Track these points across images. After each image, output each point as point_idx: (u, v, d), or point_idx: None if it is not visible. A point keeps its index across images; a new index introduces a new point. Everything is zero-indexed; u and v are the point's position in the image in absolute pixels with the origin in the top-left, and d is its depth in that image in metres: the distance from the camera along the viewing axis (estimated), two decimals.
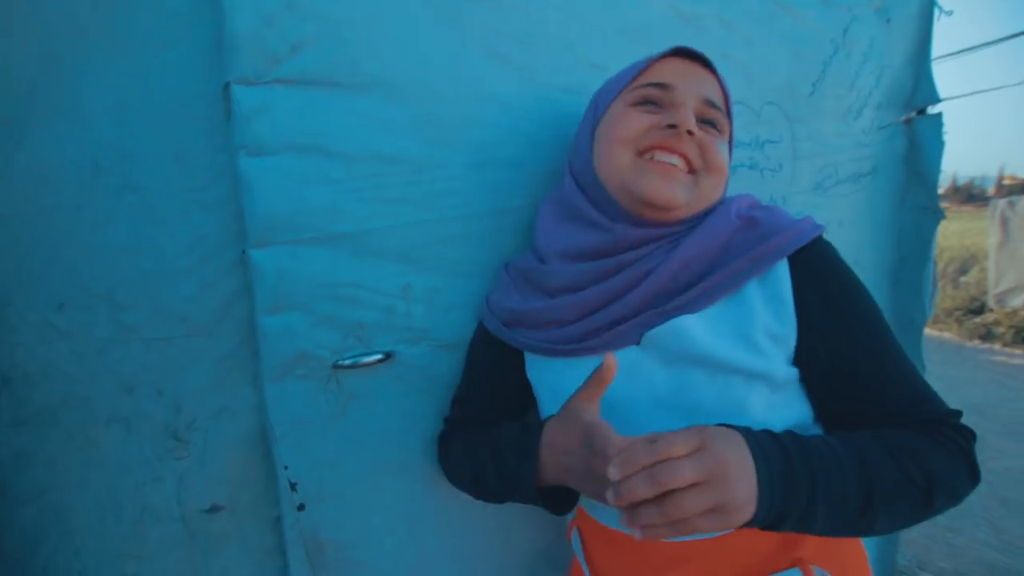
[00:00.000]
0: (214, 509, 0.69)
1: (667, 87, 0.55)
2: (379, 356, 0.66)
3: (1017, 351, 4.81)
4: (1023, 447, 2.76)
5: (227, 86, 0.55)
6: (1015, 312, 5.07)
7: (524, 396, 0.64)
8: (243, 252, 0.59)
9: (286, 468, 0.63)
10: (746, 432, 0.41)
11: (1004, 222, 5.19)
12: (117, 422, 0.72)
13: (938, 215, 1.09)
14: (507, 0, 0.68)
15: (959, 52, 7.65)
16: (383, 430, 0.68)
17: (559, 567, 0.78)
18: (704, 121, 0.55)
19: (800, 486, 0.40)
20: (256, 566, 0.70)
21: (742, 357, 0.49)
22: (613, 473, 0.37)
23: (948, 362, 4.55)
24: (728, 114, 0.59)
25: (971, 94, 8.25)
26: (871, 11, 1.02)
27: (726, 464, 0.37)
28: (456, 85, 0.65)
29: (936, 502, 0.44)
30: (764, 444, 0.41)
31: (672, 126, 0.53)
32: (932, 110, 1.10)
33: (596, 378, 0.47)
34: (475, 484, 0.62)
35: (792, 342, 0.50)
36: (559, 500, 0.56)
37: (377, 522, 0.69)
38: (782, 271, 0.51)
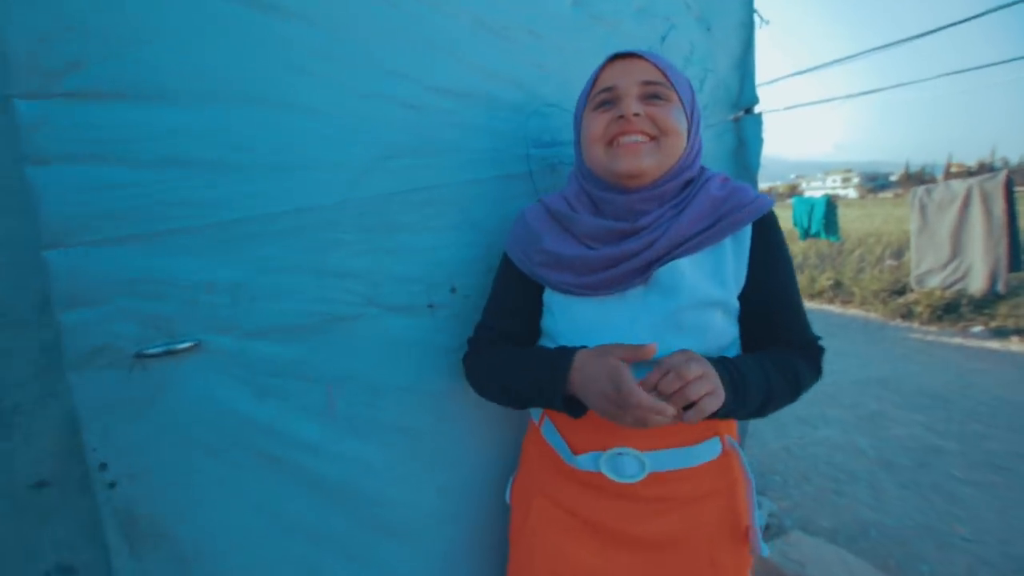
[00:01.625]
0: (40, 484, 0.74)
1: (612, 88, 0.72)
2: (186, 345, 0.72)
3: (932, 328, 5.17)
4: (915, 416, 3.00)
5: (9, 100, 0.60)
6: (932, 292, 5.43)
7: (536, 322, 0.81)
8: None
9: (94, 450, 0.69)
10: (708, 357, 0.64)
11: (922, 208, 5.53)
12: None
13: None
14: (307, 15, 0.74)
15: (907, 39, 7.90)
16: (196, 414, 0.74)
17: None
18: (649, 97, 0.72)
19: (739, 390, 0.64)
20: (87, 536, 0.75)
21: (712, 289, 0.70)
22: (653, 377, 0.60)
23: (870, 340, 4.86)
24: (671, 83, 0.73)
25: (914, 82, 8.61)
26: (692, 19, 1.11)
27: (709, 366, 0.61)
28: (248, 93, 0.71)
29: (799, 394, 0.72)
30: (722, 362, 0.65)
31: (621, 116, 0.71)
32: (756, 110, 1.22)
33: (637, 351, 0.63)
34: (503, 391, 0.77)
35: (743, 281, 0.72)
36: (575, 406, 0.71)
37: (191, 499, 0.74)
38: (747, 231, 0.72)
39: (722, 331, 0.71)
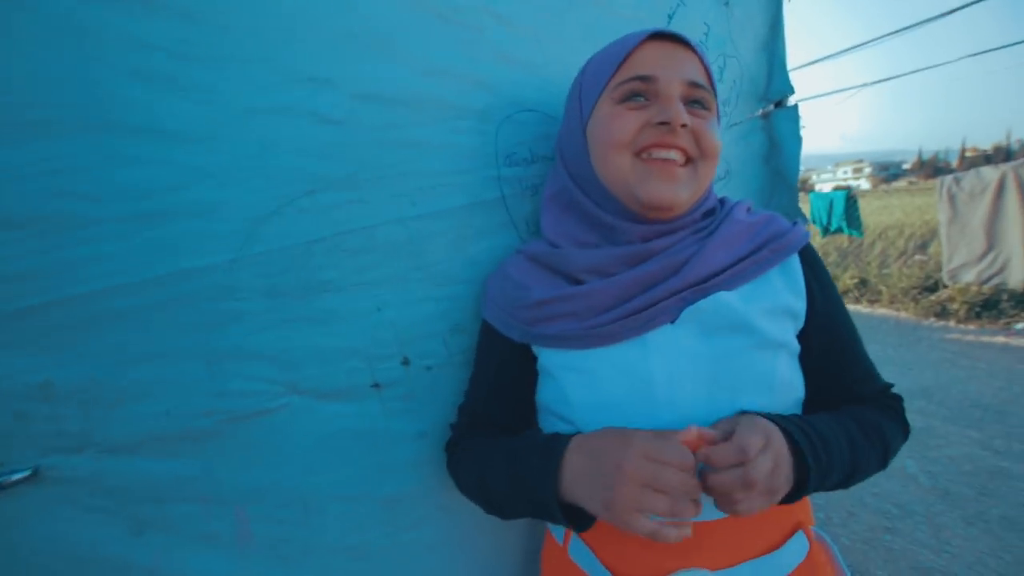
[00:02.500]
0: None
1: (650, 79, 0.56)
2: (18, 476, 0.51)
3: (971, 327, 4.82)
4: (968, 433, 2.70)
5: None
6: (967, 288, 5.09)
7: (532, 400, 0.64)
8: None
9: None
10: (783, 423, 0.49)
11: (951, 198, 5.20)
12: None
13: (800, 224, 0.97)
14: (167, 7, 0.53)
15: (915, 25, 7.69)
16: (42, 566, 0.53)
17: None
18: (692, 102, 0.57)
19: (824, 467, 0.49)
20: None
21: (771, 327, 0.55)
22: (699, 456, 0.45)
23: (904, 343, 4.54)
24: (713, 90, 0.60)
25: (930, 67, 8.36)
26: None
27: (782, 457, 0.46)
28: (89, 118, 0.50)
29: (888, 460, 0.58)
30: (808, 436, 0.49)
31: (664, 123, 0.54)
32: (790, 102, 0.98)
33: (685, 433, 0.46)
34: (485, 499, 0.60)
35: (802, 320, 0.59)
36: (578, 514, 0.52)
37: None
38: (796, 262, 0.60)
39: (790, 383, 0.56)
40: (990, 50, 6.82)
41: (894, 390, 0.63)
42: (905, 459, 2.50)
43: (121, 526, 0.56)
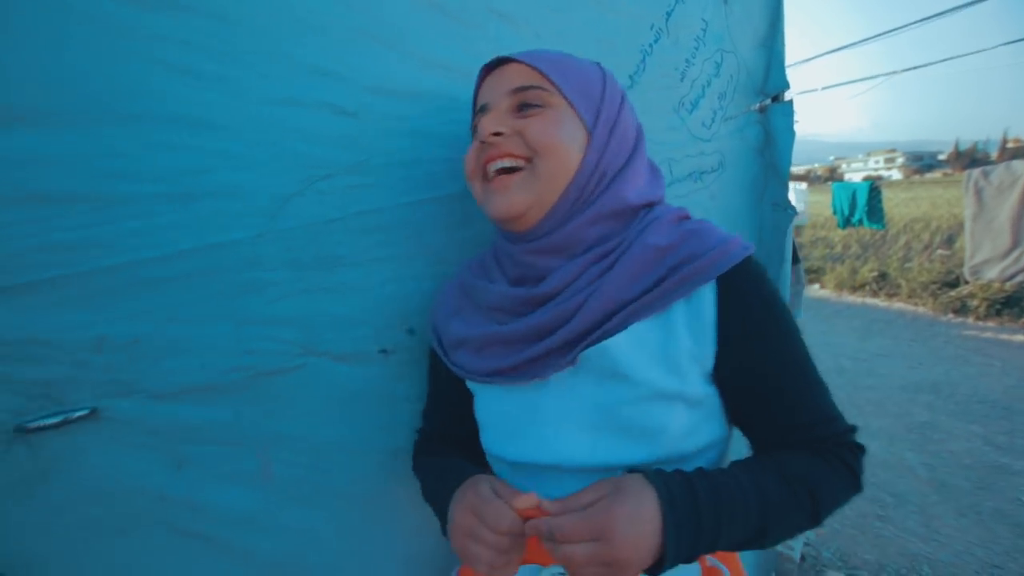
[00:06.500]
0: None
1: (485, 107, 0.57)
2: (82, 413, 0.60)
3: (990, 324, 4.74)
4: (973, 428, 2.71)
5: None
6: (989, 285, 4.98)
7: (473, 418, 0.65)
8: None
9: None
10: (660, 482, 0.45)
11: (978, 192, 5.06)
12: None
13: (790, 212, 1.01)
14: (201, 7, 0.60)
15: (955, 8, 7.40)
16: (98, 491, 0.62)
17: None
18: (523, 106, 0.55)
19: (705, 530, 0.45)
20: None
21: (661, 378, 0.51)
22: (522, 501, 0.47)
23: (917, 338, 4.49)
24: (554, 82, 0.55)
25: (971, 53, 8.03)
26: None
27: (612, 522, 0.42)
28: (129, 108, 0.57)
29: (821, 516, 0.51)
30: (672, 485, 0.46)
31: (482, 141, 0.55)
32: (786, 97, 1.02)
33: (522, 500, 0.47)
34: (428, 502, 0.64)
35: (710, 363, 0.53)
36: None
37: None
38: (707, 293, 0.52)
39: (686, 433, 0.52)
40: None
41: (854, 438, 0.54)
42: (905, 452, 2.53)
43: (163, 461, 0.65)
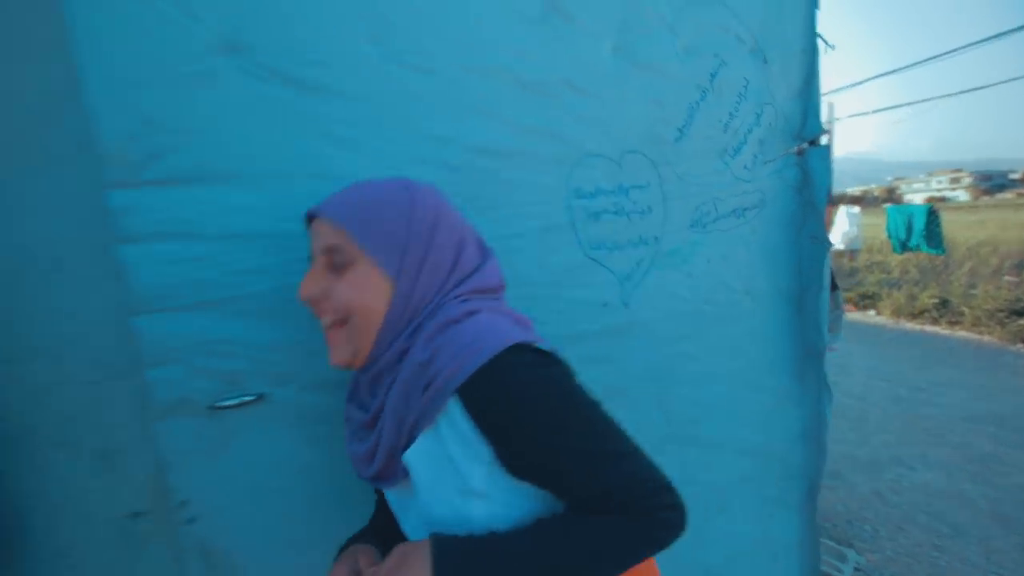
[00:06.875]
0: (136, 515, 0.84)
1: (310, 258, 0.64)
2: (251, 398, 0.79)
3: None
4: None
5: (103, 190, 0.70)
6: None
7: None
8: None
9: (176, 489, 0.77)
10: (437, 545, 0.53)
11: None
12: (60, 446, 0.89)
13: (826, 245, 1.12)
14: (347, 92, 0.80)
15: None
16: (261, 459, 0.81)
17: None
18: (334, 267, 0.60)
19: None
20: (176, 561, 0.84)
21: (447, 481, 0.56)
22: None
23: (983, 367, 4.28)
24: (356, 238, 0.59)
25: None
26: (745, 52, 1.07)
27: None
28: (299, 169, 0.77)
29: (625, 563, 0.55)
30: (446, 552, 0.52)
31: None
32: (822, 141, 1.14)
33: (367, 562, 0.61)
34: None
35: (485, 464, 0.55)
36: None
37: (258, 534, 0.81)
38: (454, 409, 0.55)
39: (490, 520, 0.57)
40: None
41: (656, 504, 0.56)
42: (964, 483, 2.46)
43: (304, 437, 0.83)
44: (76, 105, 0.72)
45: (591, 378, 0.96)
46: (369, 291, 0.59)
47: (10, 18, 0.75)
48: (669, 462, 1.06)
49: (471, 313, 0.59)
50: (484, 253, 0.68)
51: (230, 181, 0.74)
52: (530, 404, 0.53)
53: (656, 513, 0.55)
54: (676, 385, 1.07)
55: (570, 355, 0.95)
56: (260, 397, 0.80)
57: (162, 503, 0.83)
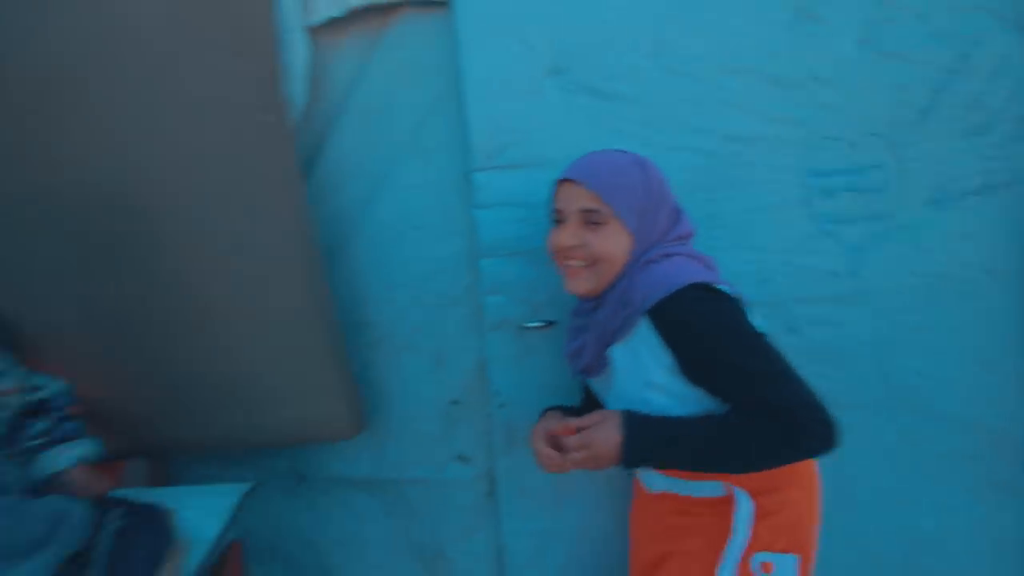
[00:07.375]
0: (454, 402, 1.21)
1: (560, 211, 0.83)
2: (542, 323, 1.10)
3: None
4: None
5: (468, 174, 1.06)
6: None
7: None
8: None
9: (492, 382, 1.12)
10: (626, 412, 0.75)
11: None
12: (407, 349, 1.28)
13: None
14: (630, 96, 1.04)
15: None
16: (548, 366, 1.12)
17: None
18: (588, 223, 0.79)
19: (651, 440, 0.72)
20: (481, 440, 1.20)
21: (639, 373, 0.78)
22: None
23: None
24: (609, 203, 0.77)
25: None
26: (1005, 28, 1.07)
27: (594, 438, 0.73)
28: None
29: (753, 458, 0.70)
30: (633, 420, 0.74)
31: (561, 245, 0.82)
32: None
33: (545, 426, 0.85)
34: None
35: (666, 368, 0.75)
36: None
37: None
38: (645, 325, 0.75)
39: (666, 408, 0.76)
40: None
41: (801, 411, 0.66)
42: None
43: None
44: (445, 115, 1.09)
45: (815, 338, 1.12)
46: (617, 244, 0.78)
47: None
48: (884, 424, 1.16)
49: (667, 255, 0.79)
50: (679, 209, 0.87)
51: (549, 166, 1.04)
52: (701, 327, 0.71)
53: (804, 424, 0.66)
54: (899, 354, 1.13)
55: (797, 315, 1.11)
56: (550, 324, 1.10)
57: (476, 394, 1.19)
